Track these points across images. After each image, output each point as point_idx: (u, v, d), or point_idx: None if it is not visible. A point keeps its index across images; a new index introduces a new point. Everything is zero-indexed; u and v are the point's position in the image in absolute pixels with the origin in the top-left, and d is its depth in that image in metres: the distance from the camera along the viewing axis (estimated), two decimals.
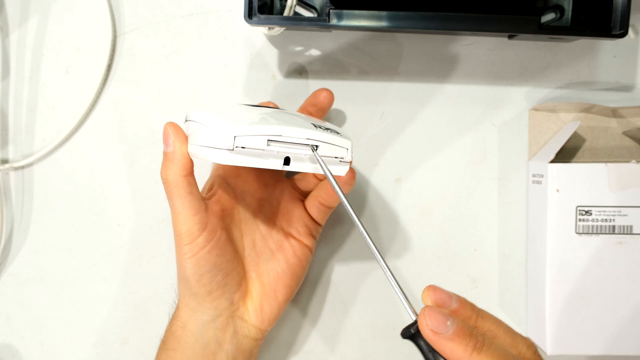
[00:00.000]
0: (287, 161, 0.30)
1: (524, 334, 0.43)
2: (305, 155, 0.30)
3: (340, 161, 0.31)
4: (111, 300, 0.44)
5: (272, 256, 0.37)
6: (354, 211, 0.29)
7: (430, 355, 0.26)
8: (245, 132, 0.28)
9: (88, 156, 0.43)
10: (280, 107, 0.38)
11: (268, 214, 0.39)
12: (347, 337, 0.43)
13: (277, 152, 0.29)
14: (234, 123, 0.29)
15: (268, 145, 0.29)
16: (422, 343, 0.26)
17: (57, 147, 0.43)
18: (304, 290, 0.43)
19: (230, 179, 0.38)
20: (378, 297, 0.43)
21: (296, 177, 0.40)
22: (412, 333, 0.26)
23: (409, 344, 0.26)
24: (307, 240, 0.38)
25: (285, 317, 0.43)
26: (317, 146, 0.30)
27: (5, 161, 0.43)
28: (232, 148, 0.28)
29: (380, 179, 0.43)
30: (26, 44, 0.43)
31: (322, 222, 0.39)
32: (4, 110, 0.43)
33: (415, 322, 0.26)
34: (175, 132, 0.32)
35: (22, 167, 0.43)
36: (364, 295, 0.43)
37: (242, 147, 0.28)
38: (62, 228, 0.43)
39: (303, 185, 0.39)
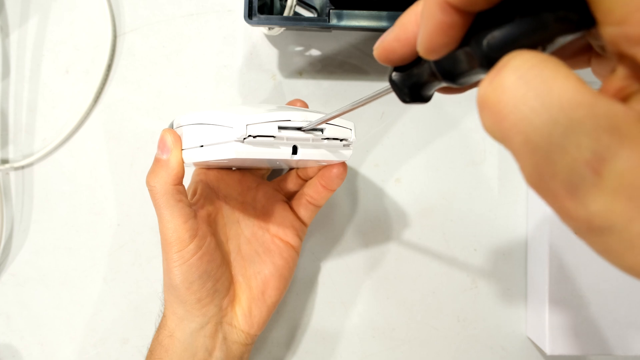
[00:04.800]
0: (294, 150, 0.30)
1: (524, 334, 0.43)
2: (314, 140, 0.30)
3: (344, 145, 0.31)
4: (111, 300, 0.44)
5: (258, 259, 0.37)
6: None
7: (420, 71, 0.20)
8: (257, 120, 0.28)
9: (88, 156, 0.43)
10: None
11: (252, 217, 0.38)
12: (347, 337, 0.43)
13: (287, 138, 0.29)
14: (242, 113, 0.28)
15: (279, 131, 0.28)
16: (401, 72, 0.20)
17: (57, 147, 0.43)
18: (303, 291, 0.43)
19: (213, 184, 0.38)
20: (378, 297, 0.43)
21: (279, 179, 0.40)
22: (392, 74, 0.21)
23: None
24: (293, 241, 0.38)
25: (285, 317, 0.43)
26: (323, 129, 0.30)
27: (5, 161, 0.43)
28: (243, 139, 0.28)
29: (380, 179, 0.43)
30: (26, 44, 0.43)
31: (308, 222, 0.39)
32: (4, 110, 0.43)
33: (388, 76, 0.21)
34: (174, 140, 0.32)
35: (22, 167, 0.43)
36: (364, 295, 0.43)
37: (254, 137, 0.28)
38: (62, 228, 0.43)
39: (287, 186, 0.39)
